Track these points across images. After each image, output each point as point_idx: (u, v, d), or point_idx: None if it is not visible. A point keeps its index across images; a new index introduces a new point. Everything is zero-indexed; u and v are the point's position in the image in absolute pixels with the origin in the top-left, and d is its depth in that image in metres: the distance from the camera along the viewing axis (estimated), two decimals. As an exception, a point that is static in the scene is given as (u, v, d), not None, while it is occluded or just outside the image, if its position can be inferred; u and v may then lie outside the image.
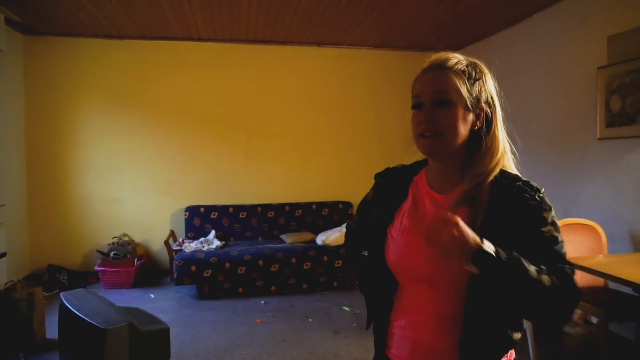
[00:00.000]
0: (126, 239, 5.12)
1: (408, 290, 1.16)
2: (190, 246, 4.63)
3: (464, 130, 1.08)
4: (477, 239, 0.94)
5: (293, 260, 4.56)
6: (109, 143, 5.24)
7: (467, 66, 1.11)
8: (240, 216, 5.28)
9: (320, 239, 4.76)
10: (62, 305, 2.57)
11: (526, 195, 1.04)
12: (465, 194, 1.07)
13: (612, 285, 3.15)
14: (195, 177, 5.44)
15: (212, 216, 5.21)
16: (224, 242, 4.87)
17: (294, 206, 5.43)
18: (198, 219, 5.17)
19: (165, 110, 5.35)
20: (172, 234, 5.20)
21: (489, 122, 1.13)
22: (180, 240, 5.04)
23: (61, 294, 2.67)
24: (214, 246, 4.68)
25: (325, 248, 4.68)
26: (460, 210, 1.05)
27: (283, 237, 5.05)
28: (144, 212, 5.34)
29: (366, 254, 1.29)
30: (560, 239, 1.04)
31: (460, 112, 1.08)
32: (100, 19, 4.52)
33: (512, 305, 1.00)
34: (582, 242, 3.22)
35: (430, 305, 1.10)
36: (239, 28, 4.91)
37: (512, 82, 4.77)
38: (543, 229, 1.02)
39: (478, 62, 1.15)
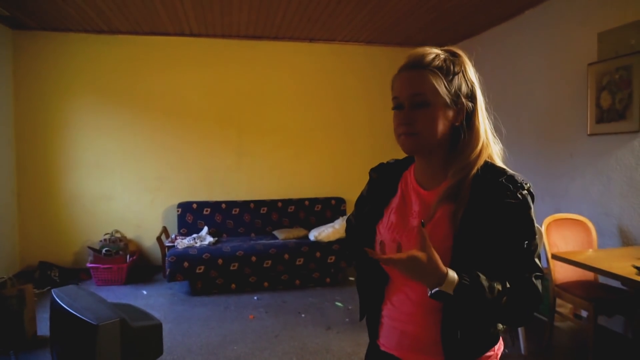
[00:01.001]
0: (118, 235, 5.10)
1: (396, 283, 1.18)
2: (183, 242, 4.62)
3: (443, 127, 1.08)
4: (441, 273, 0.95)
5: (286, 256, 4.56)
6: (100, 139, 5.21)
7: (444, 60, 1.09)
8: (233, 212, 5.27)
9: (313, 235, 4.76)
10: (54, 301, 2.56)
11: (508, 192, 1.03)
12: (448, 190, 1.07)
13: (602, 279, 3.19)
14: (187, 173, 5.42)
15: (204, 212, 5.19)
16: (216, 239, 4.86)
17: (287, 202, 5.43)
18: (190, 215, 5.15)
19: (157, 106, 5.32)
20: (165, 230, 5.18)
21: (469, 115, 1.11)
22: (173, 236, 5.03)
23: (52, 291, 2.65)
24: (206, 242, 4.67)
25: (317, 244, 4.69)
26: (444, 206, 1.07)
27: (276, 233, 5.05)
28: (135, 209, 5.32)
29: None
30: (534, 243, 1.04)
31: (439, 111, 1.07)
32: (90, 14, 4.48)
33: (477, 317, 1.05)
34: (572, 236, 3.26)
35: (417, 297, 1.12)
36: (231, 24, 4.89)
37: (503, 79, 4.80)
38: (518, 234, 1.02)
39: (458, 52, 1.13)
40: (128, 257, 4.88)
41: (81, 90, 5.15)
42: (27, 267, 5.03)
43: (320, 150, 5.75)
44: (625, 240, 3.36)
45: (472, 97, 1.11)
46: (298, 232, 4.99)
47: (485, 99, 1.15)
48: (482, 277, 0.98)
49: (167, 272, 4.35)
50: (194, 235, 4.84)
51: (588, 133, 3.64)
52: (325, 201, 5.51)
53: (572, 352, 3.32)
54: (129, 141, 5.27)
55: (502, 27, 4.80)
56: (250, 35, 5.35)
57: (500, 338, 1.16)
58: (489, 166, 1.10)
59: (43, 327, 3.50)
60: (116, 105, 5.23)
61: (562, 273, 3.17)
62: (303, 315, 3.96)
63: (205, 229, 5.04)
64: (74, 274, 4.99)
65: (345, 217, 4.98)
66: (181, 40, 5.30)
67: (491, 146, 1.13)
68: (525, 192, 1.04)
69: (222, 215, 5.24)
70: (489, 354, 1.11)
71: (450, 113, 1.08)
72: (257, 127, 5.58)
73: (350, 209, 5.62)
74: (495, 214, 1.02)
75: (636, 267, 2.38)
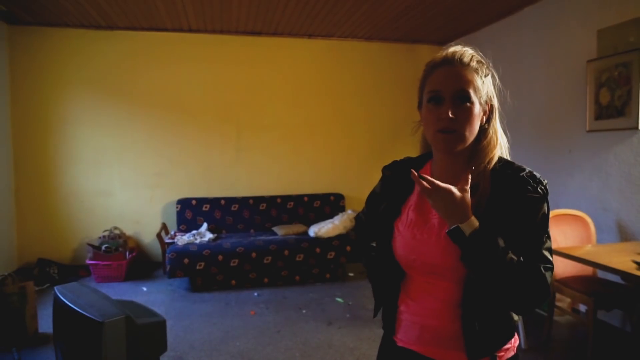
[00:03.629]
0: (117, 232, 5.09)
1: (416, 279, 1.19)
2: (183, 239, 4.62)
3: (477, 126, 1.12)
4: (467, 213, 1.02)
5: (286, 252, 4.57)
6: (98, 135, 5.19)
7: (478, 62, 1.15)
8: (232, 209, 5.28)
9: (313, 230, 4.77)
10: (57, 298, 2.55)
11: (529, 187, 1.07)
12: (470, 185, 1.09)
13: (601, 274, 3.23)
14: (185, 169, 5.41)
15: (204, 209, 5.19)
16: (216, 235, 4.86)
17: (286, 198, 5.44)
18: (190, 212, 5.15)
19: (155, 102, 5.30)
20: (164, 226, 5.18)
21: (490, 115, 1.17)
22: (172, 232, 5.03)
23: (55, 288, 2.65)
24: (206, 239, 4.67)
25: (317, 240, 4.70)
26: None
27: (275, 229, 5.06)
28: (134, 205, 5.31)
29: (374, 245, 1.31)
30: (547, 236, 1.07)
31: (477, 109, 1.10)
32: (88, 9, 4.45)
33: (487, 283, 1.04)
34: (571, 232, 3.29)
35: (438, 292, 1.14)
36: (230, 19, 4.87)
37: (502, 75, 4.79)
38: (536, 226, 1.06)
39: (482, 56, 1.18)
40: (127, 253, 4.87)
41: (79, 86, 5.12)
42: (26, 264, 5.01)
43: (319, 146, 5.76)
44: (624, 235, 3.40)
45: (492, 98, 1.17)
46: (297, 228, 5.00)
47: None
48: (501, 240, 1.01)
49: (168, 269, 4.35)
50: (194, 232, 4.84)
51: (587, 129, 3.67)
52: (324, 197, 5.53)
53: (571, 346, 3.36)
54: (127, 137, 5.25)
55: (501, 23, 4.82)
56: (249, 31, 5.33)
57: (515, 333, 1.18)
58: (507, 162, 1.14)
59: (44, 324, 3.51)
60: (115, 101, 5.21)
61: (561, 268, 3.20)
62: (304, 310, 3.98)
63: (205, 225, 5.04)
64: (73, 271, 4.98)
65: (344, 213, 5.00)
66: (180, 36, 5.28)
67: (504, 145, 1.18)
68: (543, 187, 1.08)
69: (222, 212, 5.24)
70: (507, 346, 1.13)
71: (482, 113, 1.13)
72: (256, 123, 5.58)
73: (349, 204, 5.63)
74: (517, 207, 1.05)
75: (636, 262, 2.41)
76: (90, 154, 5.18)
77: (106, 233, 5.00)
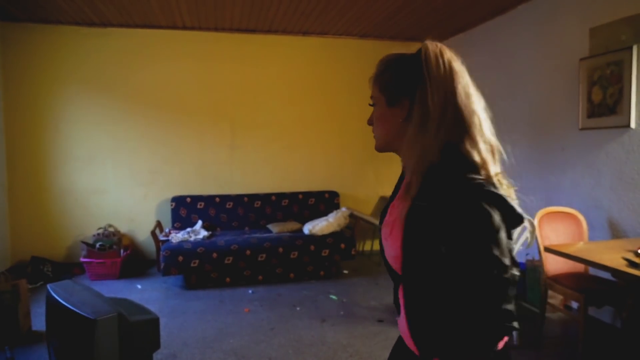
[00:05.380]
0: (111, 229, 5.08)
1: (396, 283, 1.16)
2: (177, 236, 4.61)
3: (389, 126, 1.12)
4: None
5: (280, 249, 4.58)
6: (91, 133, 5.17)
7: (381, 64, 1.16)
8: (227, 206, 5.28)
9: (307, 228, 4.78)
10: (50, 296, 2.55)
11: (448, 204, 0.96)
12: (403, 188, 1.09)
13: (592, 271, 3.25)
14: (180, 167, 5.41)
15: (198, 206, 5.19)
16: (210, 232, 4.86)
17: (280, 196, 5.44)
18: (184, 209, 5.15)
19: (149, 99, 5.29)
20: (159, 224, 5.17)
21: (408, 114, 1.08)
22: (167, 230, 5.02)
23: (48, 286, 2.64)
24: (200, 236, 4.67)
25: (312, 237, 4.71)
26: (401, 205, 1.06)
27: (270, 226, 5.07)
28: (128, 203, 5.30)
29: None
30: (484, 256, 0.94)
31: (381, 109, 1.14)
32: (81, 6, 4.43)
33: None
34: (563, 229, 3.31)
35: (401, 297, 1.10)
36: (224, 17, 4.86)
37: (495, 73, 4.84)
38: (450, 247, 0.95)
39: (423, 49, 1.06)
40: (122, 251, 4.87)
41: (72, 83, 5.10)
42: (19, 262, 4.99)
43: (313, 143, 5.77)
44: (615, 232, 3.42)
45: (412, 93, 1.06)
46: (292, 225, 5.01)
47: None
48: None
49: (162, 266, 4.35)
50: (188, 229, 4.84)
51: (579, 127, 3.69)
52: (319, 195, 5.53)
53: (562, 343, 3.38)
54: (121, 135, 5.24)
55: (494, 21, 4.83)
56: (243, 28, 5.32)
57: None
58: (450, 163, 1.00)
59: (37, 322, 3.50)
60: (108, 98, 5.19)
61: (553, 265, 3.22)
62: (298, 308, 3.99)
63: (200, 222, 5.04)
64: (67, 269, 4.97)
65: (338, 211, 5.01)
66: (174, 34, 5.26)
67: (427, 144, 1.01)
68: (465, 207, 0.95)
69: (216, 209, 5.24)
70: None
71: (393, 112, 1.11)
72: (250, 121, 5.58)
73: (343, 202, 5.65)
74: (443, 217, 0.95)
75: (626, 259, 2.43)
76: (84, 152, 5.16)
77: (100, 231, 4.99)
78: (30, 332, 3.41)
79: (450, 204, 0.94)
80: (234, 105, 5.54)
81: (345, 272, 5.07)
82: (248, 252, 4.51)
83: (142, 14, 4.70)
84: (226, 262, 4.47)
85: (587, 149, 3.67)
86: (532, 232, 3.06)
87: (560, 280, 3.14)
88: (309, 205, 5.46)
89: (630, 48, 3.19)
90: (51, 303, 2.58)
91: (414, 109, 1.04)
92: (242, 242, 4.56)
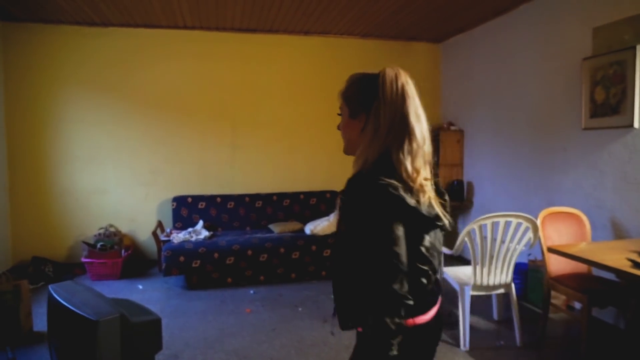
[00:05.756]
0: (112, 229, 5.07)
1: None
2: (178, 237, 4.61)
3: (352, 133, 1.35)
4: None
5: (281, 250, 4.57)
6: (92, 133, 5.17)
7: (347, 81, 1.41)
8: (228, 206, 5.27)
9: (309, 228, 4.77)
10: (51, 297, 2.55)
11: (343, 196, 1.21)
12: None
13: (595, 271, 3.24)
14: (181, 167, 5.40)
15: (199, 206, 5.18)
16: (212, 233, 4.85)
17: (282, 196, 5.43)
18: (185, 209, 5.14)
19: (150, 99, 5.28)
20: (160, 224, 5.16)
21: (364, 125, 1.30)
22: (168, 230, 5.01)
23: (49, 287, 2.64)
24: (202, 236, 4.66)
25: (313, 237, 4.70)
26: None
27: (271, 227, 5.06)
28: (129, 203, 5.29)
29: None
30: (361, 246, 1.18)
31: (345, 119, 1.37)
32: (82, 5, 4.42)
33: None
34: (566, 229, 3.30)
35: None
36: (225, 16, 4.85)
37: (497, 73, 4.83)
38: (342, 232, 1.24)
39: (381, 72, 1.28)
40: (123, 251, 4.86)
41: (73, 83, 5.09)
42: (20, 262, 4.99)
43: (315, 143, 5.75)
44: (618, 233, 3.41)
45: (368, 109, 1.28)
46: (293, 225, 5.00)
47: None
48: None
49: (163, 267, 4.34)
50: (190, 229, 4.83)
51: (582, 127, 3.68)
52: (320, 195, 5.52)
53: (565, 343, 3.37)
54: (122, 135, 5.23)
55: (497, 21, 4.82)
56: (244, 28, 5.31)
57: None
58: (375, 168, 1.21)
59: (39, 323, 3.49)
60: (109, 98, 5.19)
61: (556, 265, 3.21)
62: (300, 308, 3.98)
63: (201, 222, 5.03)
64: (68, 269, 4.96)
65: (340, 211, 4.99)
66: (175, 33, 5.26)
67: (372, 153, 1.23)
68: (345, 194, 1.20)
69: (217, 209, 5.24)
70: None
71: (354, 122, 1.34)
72: (251, 121, 5.57)
73: (345, 202, 5.63)
74: (347, 209, 1.22)
75: (630, 260, 2.42)
76: (85, 152, 5.16)
77: (101, 231, 4.98)
78: (32, 333, 3.40)
79: (352, 198, 1.19)
80: (235, 104, 5.53)
81: (347, 272, 5.05)
82: (249, 252, 4.50)
83: (143, 13, 4.69)
84: (227, 262, 4.46)
85: (590, 149, 3.66)
86: (535, 232, 3.05)
87: (563, 280, 3.13)
88: (311, 205, 5.45)
89: (634, 48, 3.18)
90: (53, 304, 2.58)
91: (368, 122, 1.26)
92: (244, 242, 4.55)
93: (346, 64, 5.79)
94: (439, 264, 1.31)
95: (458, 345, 3.20)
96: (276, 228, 4.93)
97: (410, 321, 1.21)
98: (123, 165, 5.26)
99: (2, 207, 4.87)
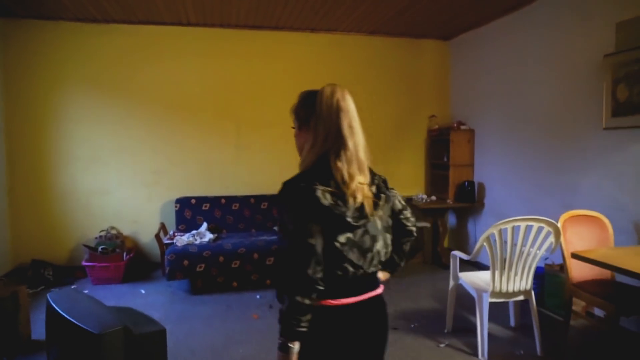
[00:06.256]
0: (114, 232, 4.94)
1: None
2: (182, 239, 4.47)
3: (300, 142, 1.57)
4: None
5: (289, 253, 4.43)
6: (93, 132, 5.03)
7: (298, 97, 1.61)
8: (233, 208, 5.13)
9: (316, 231, 4.63)
10: (50, 307, 2.41)
11: (279, 197, 1.42)
12: None
13: (618, 277, 3.10)
14: (184, 167, 5.26)
15: (203, 208, 5.05)
16: (216, 235, 4.72)
17: (288, 197, 5.27)
18: (189, 211, 5.00)
19: (152, 98, 5.14)
20: (163, 226, 5.03)
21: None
22: (171, 233, 4.88)
23: (48, 295, 2.51)
24: (206, 239, 4.53)
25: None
26: None
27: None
28: (131, 204, 5.16)
29: None
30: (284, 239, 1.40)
31: (296, 131, 1.60)
32: (84, 2, 4.29)
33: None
34: (588, 233, 3.16)
35: None
36: (230, 13, 4.72)
37: (510, 70, 4.69)
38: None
39: (308, 92, 1.58)
40: (125, 254, 4.73)
41: (74, 81, 4.96)
42: (20, 265, 4.87)
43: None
44: (642, 237, 3.27)
45: (309, 121, 1.49)
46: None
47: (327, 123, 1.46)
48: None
49: (167, 271, 4.21)
50: (193, 232, 4.70)
51: (603, 127, 3.53)
52: (328, 196, 5.37)
53: (588, 352, 3.22)
54: (124, 134, 5.10)
55: (509, 17, 4.67)
56: (250, 25, 5.18)
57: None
58: (308, 172, 1.43)
59: (37, 330, 3.36)
60: (111, 97, 5.05)
61: (578, 271, 3.07)
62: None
63: (205, 224, 4.90)
64: (68, 272, 4.83)
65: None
66: (178, 30, 5.12)
67: (306, 157, 1.49)
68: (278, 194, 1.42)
69: (222, 211, 5.10)
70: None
71: (301, 134, 1.55)
72: (256, 120, 5.43)
73: (352, 203, 5.48)
74: (277, 206, 1.72)
75: (664, 268, 2.28)
76: (85, 152, 5.02)
77: (103, 233, 4.86)
78: (30, 341, 3.27)
79: (281, 198, 1.39)
80: (240, 103, 5.39)
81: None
82: (255, 255, 4.37)
83: (145, 10, 4.55)
84: (233, 265, 4.33)
85: (610, 149, 3.51)
86: (557, 237, 2.92)
87: (585, 287, 2.99)
88: (317, 207, 5.30)
89: (660, 43, 3.03)
90: (51, 314, 2.44)
91: (309, 133, 1.47)
92: (249, 245, 4.42)
93: (353, 62, 5.65)
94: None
95: (476, 354, 3.07)
96: (283, 230, 4.79)
97: (330, 302, 1.37)
98: (125, 166, 5.13)
99: (1, 208, 4.74)
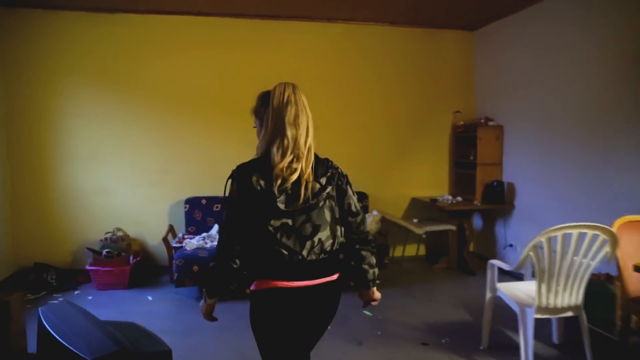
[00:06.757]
0: (120, 234, 4.66)
1: None
2: (192, 243, 4.18)
3: (259, 136, 1.71)
4: None
5: (305, 258, 4.12)
6: (96, 128, 4.76)
7: (257, 97, 1.79)
8: (245, 209, 4.82)
9: (335, 234, 4.31)
10: (41, 324, 2.13)
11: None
12: None
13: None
14: (193, 165, 4.96)
15: (214, 209, 4.74)
16: (227, 238, 4.41)
17: (304, 197, 4.94)
18: (199, 212, 4.71)
19: (158, 92, 4.85)
20: (171, 228, 4.73)
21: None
22: (180, 235, 4.58)
23: (39, 310, 2.22)
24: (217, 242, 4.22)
25: (342, 243, 4.23)
26: None
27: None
28: (137, 204, 4.88)
29: None
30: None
31: (257, 126, 1.77)
32: (87, -12, 4.02)
33: None
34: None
35: None
36: (242, 1, 4.41)
37: (542, 61, 4.33)
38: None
39: (264, 92, 1.75)
40: (131, 258, 4.44)
41: (75, 74, 4.69)
42: (22, 268, 4.61)
43: (338, 139, 5.28)
44: None
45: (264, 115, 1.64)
46: (317, 230, 4.55)
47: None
48: None
49: (175, 277, 3.91)
50: (204, 235, 4.40)
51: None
52: (346, 196, 5.04)
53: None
54: (127, 130, 4.82)
55: (541, 5, 4.31)
56: (263, 14, 4.86)
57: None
58: (257, 158, 1.62)
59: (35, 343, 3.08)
60: (114, 91, 4.77)
61: (636, 284, 2.71)
62: (329, 326, 3.51)
63: (216, 227, 4.60)
64: (72, 275, 4.56)
65: (369, 215, 4.53)
66: (187, 20, 4.82)
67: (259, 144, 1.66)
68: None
69: (233, 212, 4.79)
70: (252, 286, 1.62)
71: (260, 128, 1.71)
72: (269, 116, 5.11)
73: (372, 204, 5.16)
74: None
75: None
76: (88, 149, 4.76)
77: (108, 235, 4.58)
78: (26, 354, 2.98)
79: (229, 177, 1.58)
80: (251, 98, 5.02)
81: (377, 282, 4.57)
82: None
83: (152, -3, 4.26)
84: (246, 271, 4.01)
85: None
86: (614, 246, 2.56)
87: (645, 302, 2.63)
88: (335, 208, 4.98)
89: None
90: (43, 332, 2.15)
91: (263, 125, 1.61)
92: (263, 250, 4.10)
93: (371, 54, 5.32)
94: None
95: (519, 377, 2.72)
96: (298, 233, 4.47)
97: (267, 284, 1.54)
98: (130, 164, 4.84)
99: (2, 209, 4.49)
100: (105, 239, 4.55)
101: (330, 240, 1.57)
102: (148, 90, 4.83)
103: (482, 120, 5.13)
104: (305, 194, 1.50)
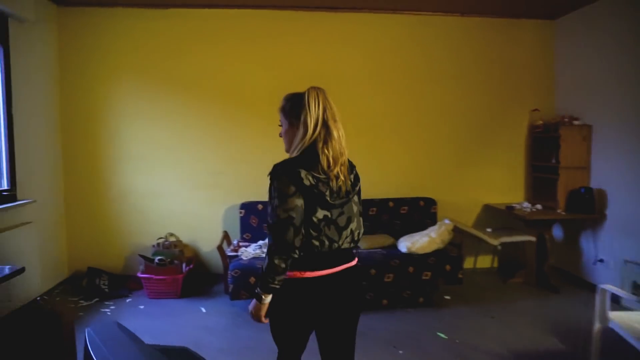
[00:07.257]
0: (172, 239, 4.46)
1: None
2: (248, 252, 3.89)
3: (291, 138, 1.79)
4: None
5: (372, 271, 3.73)
6: (149, 128, 4.59)
7: (284, 99, 1.83)
8: (303, 215, 4.50)
9: (405, 245, 3.90)
10: (87, 351, 1.85)
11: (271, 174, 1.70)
12: None
13: None
14: (250, 167, 4.67)
15: (270, 215, 4.44)
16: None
17: (368, 203, 4.49)
18: (255, 218, 4.42)
19: (215, 89, 4.63)
20: (226, 235, 4.46)
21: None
22: (235, 243, 4.31)
23: (86, 332, 1.95)
24: (274, 251, 3.91)
25: (410, 257, 3.82)
26: None
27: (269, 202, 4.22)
28: (190, 208, 4.66)
29: None
30: (273, 205, 1.64)
31: (286, 128, 1.82)
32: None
33: None
34: None
35: None
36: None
37: (635, 56, 3.75)
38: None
39: (294, 94, 1.80)
40: (184, 265, 4.22)
41: (130, 72, 4.54)
42: (77, 272, 4.52)
43: (402, 140, 4.87)
44: None
45: (299, 118, 1.72)
46: (383, 240, 4.15)
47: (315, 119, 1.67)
48: None
49: (230, 289, 3.63)
50: (260, 243, 4.11)
51: None
52: (413, 202, 4.61)
53: None
54: (183, 130, 4.62)
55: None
56: (324, 6, 4.54)
57: None
58: (297, 157, 1.70)
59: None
60: (168, 88, 4.58)
61: None
62: (400, 351, 3.12)
63: (272, 234, 4.29)
64: (123, 281, 4.40)
65: (441, 224, 4.08)
66: (244, 13, 4.56)
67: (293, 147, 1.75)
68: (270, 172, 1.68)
69: (291, 218, 4.47)
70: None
71: (293, 129, 1.77)
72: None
73: (441, 211, 4.73)
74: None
75: None
76: (142, 150, 4.60)
77: (160, 241, 4.38)
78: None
79: (272, 177, 1.66)
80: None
81: (447, 297, 4.14)
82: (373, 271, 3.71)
83: (209, -11, 4.02)
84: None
85: None
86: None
87: None
88: (401, 215, 4.56)
89: None
90: (87, 357, 1.89)
91: (300, 127, 1.71)
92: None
93: (439, 47, 4.89)
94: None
95: None
96: (363, 243, 4.09)
97: (300, 274, 1.66)
98: (183, 166, 4.64)
99: (56, 213, 4.40)
100: (158, 244, 4.35)
101: (358, 230, 1.75)
102: (204, 88, 4.62)
103: (566, 119, 4.58)
104: (345, 189, 1.68)
